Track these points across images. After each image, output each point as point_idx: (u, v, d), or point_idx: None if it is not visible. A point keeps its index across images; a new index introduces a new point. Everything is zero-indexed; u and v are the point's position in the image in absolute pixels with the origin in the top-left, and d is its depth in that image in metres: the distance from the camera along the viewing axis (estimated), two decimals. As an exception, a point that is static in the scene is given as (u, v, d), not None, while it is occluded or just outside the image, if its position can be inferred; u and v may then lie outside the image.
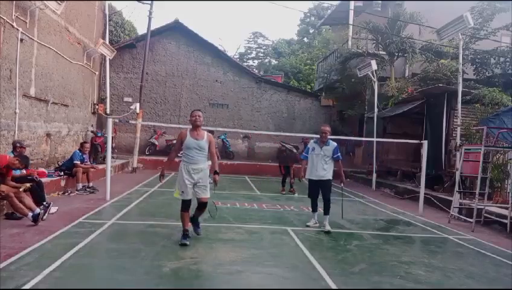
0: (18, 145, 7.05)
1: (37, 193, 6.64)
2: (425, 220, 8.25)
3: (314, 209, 7.06)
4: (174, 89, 18.19)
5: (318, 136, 7.08)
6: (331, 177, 6.85)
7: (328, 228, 6.64)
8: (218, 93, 18.48)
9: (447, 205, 9.15)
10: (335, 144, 6.95)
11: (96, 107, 15.34)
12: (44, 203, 6.50)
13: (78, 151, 9.58)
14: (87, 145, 10.02)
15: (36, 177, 6.98)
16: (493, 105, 10.46)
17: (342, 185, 7.19)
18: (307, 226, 6.91)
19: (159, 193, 9.85)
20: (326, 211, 6.78)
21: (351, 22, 17.45)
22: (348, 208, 9.21)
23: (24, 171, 6.92)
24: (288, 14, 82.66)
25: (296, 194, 10.76)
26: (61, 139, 12.00)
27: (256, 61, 38.97)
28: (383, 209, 9.39)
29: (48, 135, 10.98)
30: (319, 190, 6.88)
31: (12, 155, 6.66)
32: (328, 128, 6.88)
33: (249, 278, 4.33)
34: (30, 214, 5.92)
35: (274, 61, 36.02)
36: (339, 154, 6.93)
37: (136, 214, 7.36)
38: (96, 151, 12.66)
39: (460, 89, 9.53)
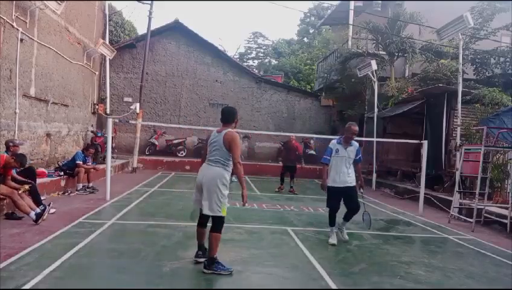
0: (11, 144, 7.02)
1: (36, 195, 6.62)
2: (425, 220, 8.25)
3: (334, 223, 6.07)
4: (174, 89, 18.19)
5: (340, 135, 6.28)
6: (355, 183, 6.05)
7: (346, 237, 6.10)
8: (218, 93, 18.48)
9: (447, 205, 9.15)
10: (357, 144, 6.14)
11: (96, 107, 15.34)
12: (43, 203, 6.50)
13: (80, 152, 9.60)
14: (92, 151, 10.05)
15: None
16: (493, 105, 10.46)
17: (362, 190, 6.28)
18: (333, 245, 5.85)
19: (159, 193, 9.85)
20: (349, 218, 6.07)
21: (351, 22, 17.44)
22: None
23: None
24: (288, 14, 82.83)
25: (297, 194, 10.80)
26: (61, 139, 12.00)
27: (256, 61, 38.99)
28: (383, 209, 9.39)
29: (48, 135, 10.98)
30: (341, 200, 6.03)
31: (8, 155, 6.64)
32: (357, 128, 6.05)
33: (249, 278, 4.33)
34: (33, 212, 5.93)
35: (274, 61, 36.01)
36: (360, 155, 6.15)
37: (136, 214, 7.35)
38: (96, 152, 12.66)
39: (460, 89, 9.53)
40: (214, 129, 4.67)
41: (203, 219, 4.56)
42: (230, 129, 4.45)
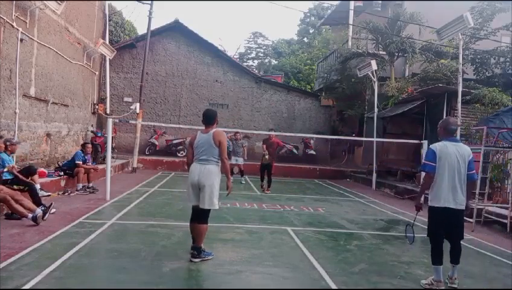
0: (8, 143, 7.02)
1: (35, 194, 6.62)
2: (425, 220, 8.21)
3: (439, 261, 4.36)
4: (174, 89, 18.19)
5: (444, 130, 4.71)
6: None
7: (457, 282, 4.37)
8: (218, 93, 18.48)
9: (447, 205, 9.12)
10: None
11: (96, 107, 15.35)
12: (44, 204, 6.49)
13: (80, 151, 9.58)
14: (89, 146, 10.04)
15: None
16: (493, 105, 10.47)
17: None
18: (426, 284, 4.33)
19: (159, 193, 9.85)
20: (457, 258, 4.45)
21: (351, 22, 17.45)
22: (348, 208, 9.24)
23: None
24: (288, 14, 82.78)
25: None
26: (61, 139, 12.00)
27: (256, 61, 38.92)
28: (383, 209, 9.38)
29: (48, 135, 10.99)
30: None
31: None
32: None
33: (249, 278, 4.33)
34: (30, 215, 5.92)
35: (274, 61, 35.97)
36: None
37: (136, 214, 7.35)
38: (96, 152, 12.65)
39: (460, 89, 9.53)
40: (198, 131, 4.99)
41: (196, 215, 4.76)
42: (216, 129, 4.84)
